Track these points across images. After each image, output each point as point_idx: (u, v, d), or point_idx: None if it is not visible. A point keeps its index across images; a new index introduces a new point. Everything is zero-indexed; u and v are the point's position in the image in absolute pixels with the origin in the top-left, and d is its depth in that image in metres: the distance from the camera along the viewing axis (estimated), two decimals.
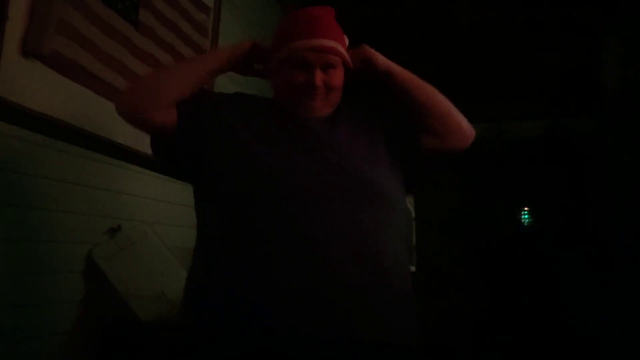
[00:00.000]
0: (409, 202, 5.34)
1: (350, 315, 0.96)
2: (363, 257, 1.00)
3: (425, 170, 1.23)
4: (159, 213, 1.88)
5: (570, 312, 4.12)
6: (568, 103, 4.47)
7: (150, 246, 1.74)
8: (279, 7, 3.30)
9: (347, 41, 1.19)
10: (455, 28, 3.69)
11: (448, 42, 3.89)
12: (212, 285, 1.01)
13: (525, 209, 4.72)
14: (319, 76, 1.10)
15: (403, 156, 1.15)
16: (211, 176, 1.08)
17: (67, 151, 1.46)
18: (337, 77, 1.14)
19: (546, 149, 4.58)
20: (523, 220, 4.73)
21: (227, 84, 2.52)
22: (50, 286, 1.40)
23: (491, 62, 4.15)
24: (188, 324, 1.05)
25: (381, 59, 1.17)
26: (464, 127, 1.19)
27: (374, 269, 1.00)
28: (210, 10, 2.27)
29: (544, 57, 4.02)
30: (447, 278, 4.65)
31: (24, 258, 1.32)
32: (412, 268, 5.15)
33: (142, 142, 1.78)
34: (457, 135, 1.18)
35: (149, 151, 1.80)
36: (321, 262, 0.96)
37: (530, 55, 4.02)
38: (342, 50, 1.14)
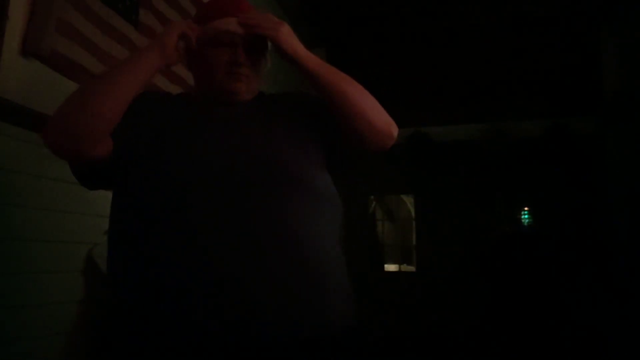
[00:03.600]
0: (408, 202, 5.36)
1: (268, 310, 0.89)
2: (282, 245, 0.93)
3: (347, 164, 1.18)
4: None
5: (570, 311, 4.12)
6: (568, 103, 4.47)
7: None
8: (278, 7, 3.30)
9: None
10: (456, 28, 3.69)
11: (448, 42, 3.89)
12: (128, 279, 0.95)
13: (525, 209, 4.73)
14: (242, 53, 1.06)
15: (323, 148, 1.10)
16: (128, 174, 1.00)
17: None
18: (259, 64, 1.12)
19: (546, 149, 4.59)
20: (523, 220, 4.73)
21: None
22: (50, 286, 1.40)
23: (491, 62, 4.15)
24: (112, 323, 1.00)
25: (286, 45, 1.08)
26: (382, 128, 1.11)
27: (293, 257, 0.93)
28: None
29: (544, 57, 4.02)
30: (447, 278, 4.65)
31: (24, 258, 1.32)
32: (412, 268, 5.16)
33: None
34: (374, 138, 1.11)
35: None
36: (238, 253, 0.90)
37: (530, 55, 4.02)
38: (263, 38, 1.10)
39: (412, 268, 5.17)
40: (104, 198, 1.62)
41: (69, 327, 1.46)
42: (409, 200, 5.35)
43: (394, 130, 1.13)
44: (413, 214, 5.23)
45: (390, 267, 5.28)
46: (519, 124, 4.67)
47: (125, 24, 1.65)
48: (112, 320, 0.99)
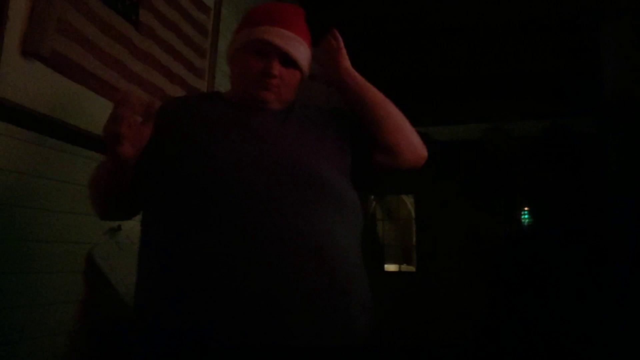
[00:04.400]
0: (408, 202, 5.36)
1: (294, 318, 0.90)
2: (310, 254, 0.93)
3: (374, 183, 1.22)
4: None
5: (570, 311, 4.12)
6: (568, 103, 4.47)
7: None
8: None
9: (310, 52, 1.15)
10: (456, 28, 3.69)
11: (448, 42, 3.89)
12: (157, 288, 0.95)
13: (525, 209, 4.73)
14: (276, 66, 1.06)
15: (353, 165, 1.12)
16: (160, 178, 1.02)
17: (67, 151, 1.46)
18: (293, 76, 1.11)
19: (546, 149, 4.59)
20: (523, 220, 4.73)
21: (227, 83, 2.52)
22: (51, 286, 1.40)
23: (491, 62, 4.15)
24: (137, 326, 0.99)
25: (345, 64, 1.13)
26: (417, 147, 1.16)
27: (320, 267, 0.94)
28: (210, 10, 2.27)
29: (544, 57, 4.02)
30: (447, 278, 4.65)
31: (24, 258, 1.32)
32: (412, 268, 5.16)
33: None
34: (410, 154, 1.15)
35: None
36: (265, 260, 0.90)
37: (530, 55, 4.02)
38: (304, 50, 1.11)
39: (412, 268, 5.17)
40: None
41: (69, 327, 1.46)
42: (409, 200, 5.35)
43: (425, 151, 1.18)
44: (413, 214, 5.23)
45: (390, 267, 5.28)
46: (519, 124, 4.67)
47: (125, 24, 1.65)
48: (134, 322, 1.00)
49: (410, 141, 1.14)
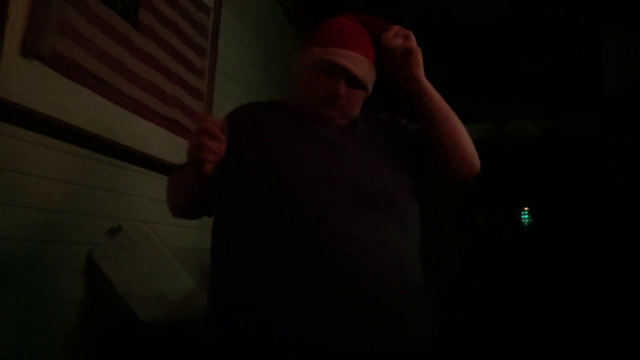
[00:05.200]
0: None
1: (370, 326, 0.95)
2: (386, 267, 0.99)
3: (431, 192, 1.26)
4: (159, 213, 1.87)
5: (570, 311, 4.12)
6: (568, 103, 4.47)
7: (150, 246, 1.74)
8: (279, 8, 3.30)
9: (374, 70, 1.17)
10: (456, 28, 3.69)
11: (448, 42, 3.89)
12: (232, 297, 1.00)
13: (525, 209, 4.73)
14: (343, 87, 1.10)
15: (413, 175, 1.15)
16: (232, 190, 1.07)
17: (67, 151, 1.46)
18: (358, 95, 1.14)
19: (546, 149, 4.59)
20: (523, 220, 4.73)
21: (227, 83, 2.53)
22: (50, 286, 1.40)
23: (492, 63, 4.15)
24: (209, 336, 1.04)
25: (422, 77, 1.14)
26: (473, 162, 1.18)
27: (396, 279, 1.00)
28: (210, 10, 2.27)
29: (544, 57, 4.02)
30: (447, 278, 4.65)
31: (24, 258, 1.32)
32: None
33: (141, 143, 1.79)
34: (466, 170, 1.18)
35: (149, 151, 1.82)
36: (343, 272, 0.95)
37: (531, 56, 4.02)
38: (370, 70, 1.13)
39: None
40: (104, 198, 1.63)
41: (69, 327, 1.46)
42: None
43: (479, 163, 1.20)
44: None
45: None
46: (519, 124, 4.67)
47: (125, 24, 1.65)
48: (210, 326, 1.04)
49: (469, 160, 1.17)
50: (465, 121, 1.18)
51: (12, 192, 1.28)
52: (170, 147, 1.92)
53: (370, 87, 1.16)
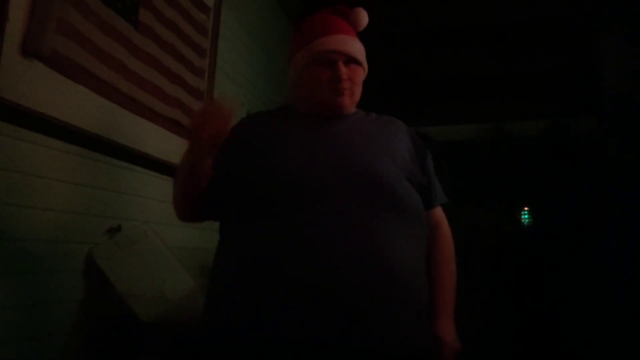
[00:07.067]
0: None
1: (359, 321, 0.95)
2: (377, 261, 0.99)
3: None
4: (159, 213, 1.88)
5: (570, 311, 4.12)
6: (568, 103, 4.47)
7: (150, 246, 1.74)
8: (278, 7, 3.30)
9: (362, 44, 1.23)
10: (456, 28, 3.69)
11: (448, 42, 3.89)
12: (227, 288, 1.02)
13: (525, 209, 4.73)
14: (343, 69, 1.13)
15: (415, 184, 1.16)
16: (234, 190, 1.10)
17: (67, 151, 1.46)
18: (358, 73, 1.18)
19: (546, 149, 4.58)
20: (523, 220, 4.73)
21: (227, 83, 2.52)
22: (50, 286, 1.40)
23: (491, 62, 4.15)
24: (204, 329, 1.05)
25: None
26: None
27: (386, 274, 0.99)
28: (210, 10, 2.27)
29: (544, 57, 4.02)
30: None
31: (24, 258, 1.32)
32: None
33: (141, 143, 1.79)
34: None
35: (149, 151, 1.82)
36: (333, 265, 0.96)
37: (530, 55, 4.02)
38: (359, 45, 1.19)
39: None
40: (104, 198, 1.63)
41: (69, 327, 1.46)
42: None
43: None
44: None
45: None
46: (519, 124, 4.66)
47: (125, 23, 1.65)
48: (207, 316, 1.05)
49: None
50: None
51: (12, 192, 1.28)
52: (170, 147, 1.92)
53: (365, 62, 1.20)
